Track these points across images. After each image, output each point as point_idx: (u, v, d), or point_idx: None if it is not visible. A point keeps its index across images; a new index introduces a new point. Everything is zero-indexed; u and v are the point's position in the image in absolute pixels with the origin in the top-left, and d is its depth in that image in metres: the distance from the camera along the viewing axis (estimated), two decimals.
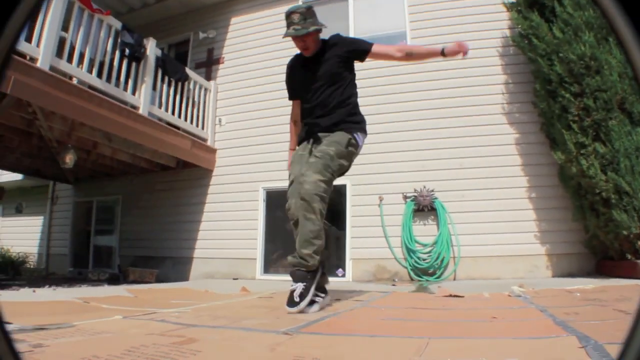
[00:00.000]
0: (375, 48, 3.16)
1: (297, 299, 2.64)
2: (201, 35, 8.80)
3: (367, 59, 3.24)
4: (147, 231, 8.58)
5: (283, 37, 3.12)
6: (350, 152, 3.06)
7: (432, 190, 6.92)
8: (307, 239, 2.78)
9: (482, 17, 7.41)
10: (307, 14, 3.05)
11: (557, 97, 6.04)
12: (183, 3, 9.06)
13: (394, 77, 7.38)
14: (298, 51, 3.25)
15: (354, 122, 3.16)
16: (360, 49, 3.19)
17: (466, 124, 7.06)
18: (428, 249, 6.79)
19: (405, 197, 7.00)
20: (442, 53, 3.09)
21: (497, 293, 3.94)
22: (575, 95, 5.84)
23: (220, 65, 8.76)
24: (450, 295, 3.59)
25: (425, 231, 6.91)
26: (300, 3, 7.78)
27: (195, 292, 4.56)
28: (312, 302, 2.73)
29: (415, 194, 6.95)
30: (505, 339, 1.81)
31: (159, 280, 7.60)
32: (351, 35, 7.78)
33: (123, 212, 9.17)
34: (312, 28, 3.00)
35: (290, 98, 3.49)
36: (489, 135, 6.98)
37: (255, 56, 8.50)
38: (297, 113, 3.40)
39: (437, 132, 7.10)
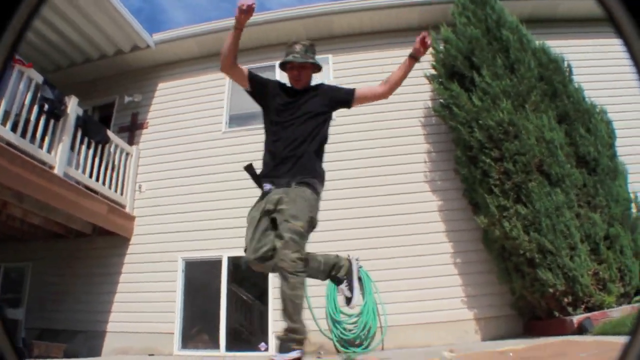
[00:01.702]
0: (358, 91, 3.18)
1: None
2: (126, 98, 8.77)
3: (354, 105, 3.21)
4: (57, 302, 8.00)
5: (279, 63, 3.13)
6: (316, 212, 2.98)
7: (357, 259, 6.88)
8: (297, 313, 2.71)
9: (405, 89, 7.76)
10: (310, 49, 3.13)
11: (478, 162, 6.37)
12: (111, 65, 9.07)
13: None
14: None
15: (320, 177, 3.08)
16: (344, 94, 3.19)
17: (390, 193, 7.25)
18: (354, 319, 6.68)
19: None
20: (414, 58, 3.06)
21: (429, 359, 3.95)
22: (496, 160, 6.19)
23: (144, 130, 8.69)
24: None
25: None
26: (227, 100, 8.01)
27: None
28: None
29: None
30: None
31: (68, 355, 7.04)
32: None
33: (32, 280, 8.56)
34: (310, 60, 3.07)
35: (250, 76, 3.18)
36: (412, 203, 7.19)
37: (179, 122, 8.50)
38: (234, 63, 3.11)
39: (360, 201, 7.23)
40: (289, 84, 3.23)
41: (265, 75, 7.86)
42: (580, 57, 7.32)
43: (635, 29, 0.58)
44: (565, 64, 6.71)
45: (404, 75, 3.12)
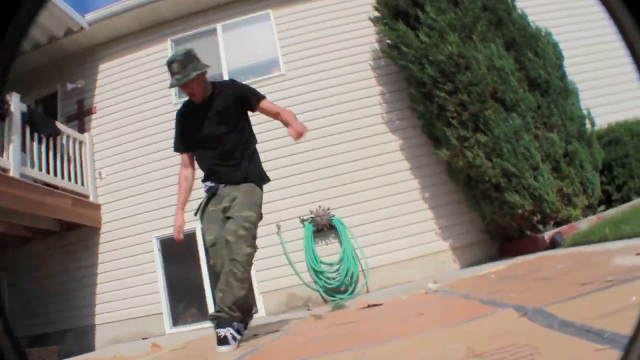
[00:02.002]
0: (265, 103, 3.29)
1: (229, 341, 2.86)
2: (69, 86, 8.44)
3: (257, 111, 3.32)
4: (40, 305, 7.93)
5: (169, 88, 3.19)
6: (261, 207, 3.25)
7: (329, 209, 7.05)
8: (235, 301, 2.98)
9: (351, 34, 7.81)
10: (186, 60, 3.06)
11: (432, 97, 6.48)
12: (47, 54, 8.64)
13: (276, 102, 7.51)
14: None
15: (260, 176, 3.31)
16: (250, 95, 3.27)
17: (350, 139, 7.34)
18: (335, 267, 6.88)
19: (302, 221, 7.07)
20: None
21: (414, 293, 4.07)
22: (450, 93, 6.30)
23: (93, 116, 8.41)
24: (369, 306, 3.63)
25: (329, 250, 7.01)
26: (172, 51, 7.74)
27: None
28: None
29: (312, 215, 7.04)
30: (441, 329, 1.82)
31: (62, 356, 7.01)
32: (223, 67, 7.92)
33: (10, 290, 8.42)
34: (193, 74, 3.02)
35: (177, 150, 3.45)
36: (374, 146, 7.31)
37: (128, 102, 8.29)
38: (188, 168, 3.45)
39: (324, 150, 7.30)
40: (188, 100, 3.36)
41: (207, 39, 7.77)
42: None
43: (636, 26, 0.57)
44: None
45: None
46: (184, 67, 3.04)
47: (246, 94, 3.28)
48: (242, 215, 3.04)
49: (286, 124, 3.21)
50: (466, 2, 6.42)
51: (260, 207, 3.22)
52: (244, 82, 3.56)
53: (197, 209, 3.40)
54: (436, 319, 2.20)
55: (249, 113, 3.43)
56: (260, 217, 3.23)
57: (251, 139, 3.37)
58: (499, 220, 6.32)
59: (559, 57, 6.54)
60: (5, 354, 0.61)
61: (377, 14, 7.35)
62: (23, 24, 0.61)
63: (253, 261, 3.11)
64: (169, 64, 3.09)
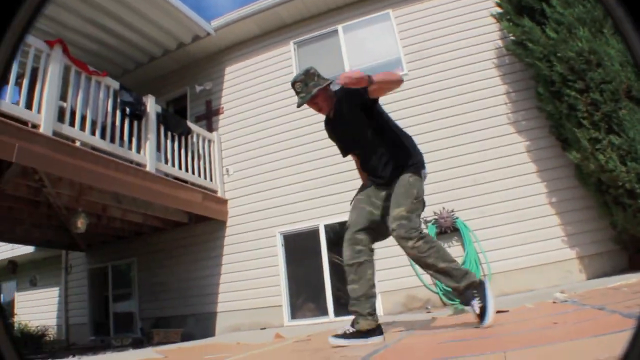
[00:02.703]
0: (370, 87, 3.04)
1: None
2: (197, 88, 9.13)
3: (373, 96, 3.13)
4: (166, 291, 8.65)
5: (297, 107, 3.25)
6: (418, 189, 3.14)
7: (452, 211, 7.00)
8: (449, 276, 2.97)
9: (473, 31, 7.70)
10: (307, 79, 3.14)
11: (562, 96, 6.19)
12: (175, 60, 9.46)
13: (395, 103, 7.53)
14: None
15: (408, 165, 3.19)
16: (358, 99, 3.14)
17: (476, 139, 7.23)
18: None
19: (425, 222, 7.06)
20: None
21: (540, 302, 3.93)
22: (581, 92, 5.98)
23: (221, 116, 9.05)
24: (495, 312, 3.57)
25: (451, 253, 6.90)
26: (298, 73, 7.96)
27: (226, 346, 4.52)
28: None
29: (436, 217, 7.02)
30: (585, 340, 1.71)
31: (185, 339, 7.59)
32: (346, 68, 8.11)
33: (140, 274, 9.25)
34: (314, 91, 3.09)
35: (343, 155, 3.57)
36: (499, 147, 7.14)
37: (253, 102, 8.81)
38: (356, 160, 3.53)
39: (448, 151, 7.25)
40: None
41: (328, 41, 7.96)
42: None
43: (635, 28, 0.57)
44: None
45: (382, 89, 3.02)
46: (305, 85, 3.13)
47: (353, 96, 3.17)
48: (392, 215, 3.03)
49: None
50: None
51: (409, 195, 3.08)
52: None
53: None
54: (574, 329, 2.07)
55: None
56: (417, 204, 3.12)
57: (386, 135, 3.27)
58: (632, 229, 5.87)
59: None
60: (4, 354, 0.62)
61: (499, 9, 7.17)
62: (25, 23, 0.64)
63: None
64: (292, 84, 3.20)
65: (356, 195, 3.37)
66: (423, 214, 6.92)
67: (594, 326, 2.06)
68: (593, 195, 6.44)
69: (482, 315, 2.77)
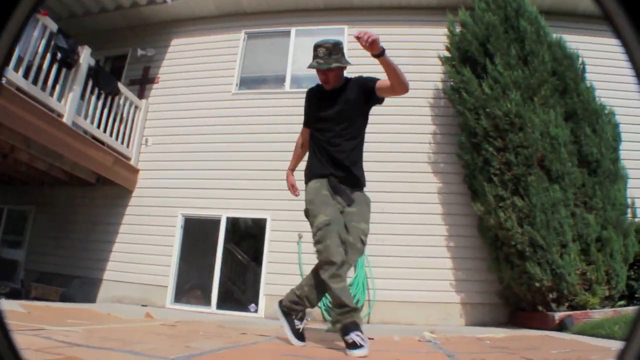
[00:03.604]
0: (379, 83, 3.17)
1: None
2: (139, 52, 8.97)
3: (381, 96, 3.22)
4: (57, 247, 8.40)
5: (307, 68, 3.26)
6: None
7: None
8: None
9: (418, 67, 7.96)
10: (334, 50, 3.17)
11: (481, 150, 6.54)
12: (126, 17, 9.25)
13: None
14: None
15: (364, 181, 3.39)
16: (370, 84, 3.21)
17: (391, 170, 7.47)
18: None
19: None
20: (374, 56, 2.94)
21: (408, 337, 4.07)
22: (498, 150, 6.35)
23: (155, 85, 8.93)
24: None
25: None
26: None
27: (96, 314, 4.51)
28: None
29: None
30: None
31: (64, 299, 7.43)
32: (288, 70, 8.23)
33: (34, 224, 8.95)
34: (334, 65, 3.12)
35: (304, 125, 3.57)
36: (413, 183, 7.45)
37: (190, 80, 8.76)
38: (306, 139, 3.54)
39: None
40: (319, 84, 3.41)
41: (279, 39, 8.07)
42: (595, 56, 7.39)
43: (635, 33, 0.59)
44: (580, 60, 6.82)
45: (390, 70, 2.99)
46: (328, 55, 3.15)
47: (365, 82, 3.25)
48: (361, 228, 3.13)
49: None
50: (536, 62, 6.46)
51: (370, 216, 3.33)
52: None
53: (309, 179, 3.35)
54: None
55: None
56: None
57: (362, 141, 3.42)
58: (515, 287, 6.26)
59: (617, 138, 6.53)
60: (1, 351, 0.63)
61: (447, 54, 7.49)
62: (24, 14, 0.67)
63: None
64: (317, 46, 3.20)
65: (318, 189, 3.24)
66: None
67: None
68: (488, 248, 6.80)
69: (355, 345, 2.76)
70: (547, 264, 5.75)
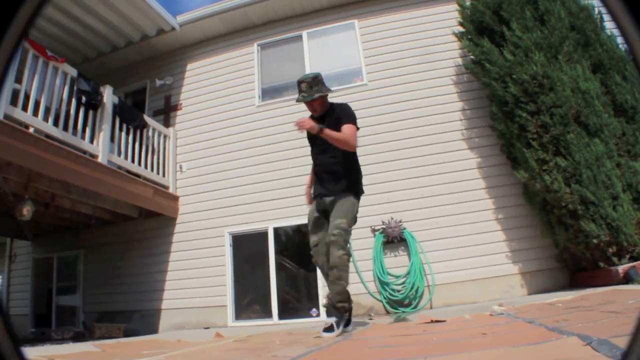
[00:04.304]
0: (342, 128, 3.83)
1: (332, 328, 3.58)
2: (158, 82, 9.20)
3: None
4: (111, 285, 8.64)
5: (296, 102, 3.99)
6: (355, 212, 3.94)
7: (400, 221, 7.27)
8: (337, 293, 3.71)
9: (435, 47, 8.05)
10: (313, 82, 3.89)
11: (514, 117, 6.53)
12: (138, 51, 9.52)
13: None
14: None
15: (356, 188, 4.04)
16: (343, 116, 3.91)
17: (427, 153, 7.56)
18: (401, 280, 7.06)
19: (373, 230, 7.32)
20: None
21: (478, 314, 4.10)
22: (532, 114, 6.33)
23: (179, 112, 9.16)
24: (432, 321, 3.69)
25: (397, 262, 7.21)
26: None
27: (166, 342, 4.58)
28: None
29: (384, 226, 7.28)
30: (505, 349, 1.86)
31: (127, 334, 7.61)
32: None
33: (85, 267, 9.19)
34: (316, 95, 3.86)
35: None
36: (451, 162, 7.48)
37: (212, 101, 8.97)
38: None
39: (401, 163, 7.57)
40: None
41: (292, 45, 8.22)
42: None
43: (637, 28, 0.60)
44: (596, 11, 6.79)
45: (333, 141, 3.78)
46: (310, 87, 3.87)
47: (341, 115, 3.91)
48: (334, 223, 3.73)
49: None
50: (553, 20, 6.46)
51: (352, 214, 3.87)
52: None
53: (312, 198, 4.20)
54: (499, 340, 2.21)
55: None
56: (353, 222, 3.89)
57: (354, 158, 4.05)
58: (573, 248, 6.21)
59: None
60: (5, 353, 0.63)
61: (461, 29, 7.53)
62: (25, 22, 0.66)
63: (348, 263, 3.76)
64: (299, 82, 3.90)
65: (312, 211, 4.13)
66: (372, 223, 7.19)
67: (517, 338, 2.21)
68: (538, 214, 6.78)
69: (329, 329, 3.56)
70: (602, 219, 5.70)
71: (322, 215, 4.02)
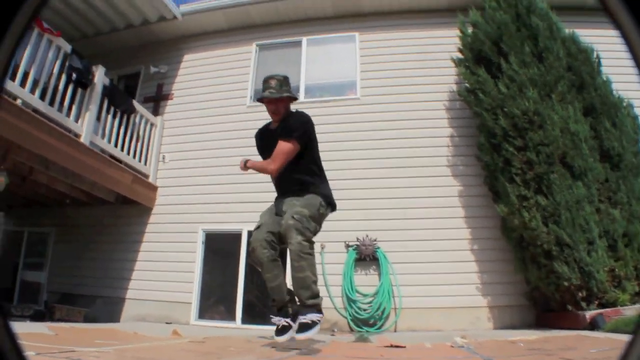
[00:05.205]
0: (278, 144, 3.58)
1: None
2: (152, 69, 9.19)
3: None
4: (79, 267, 8.56)
5: (256, 99, 3.74)
6: (321, 215, 3.58)
7: (375, 240, 7.29)
8: (304, 287, 3.28)
9: (431, 70, 8.11)
10: (284, 82, 3.65)
11: (500, 150, 6.57)
12: (137, 35, 9.51)
13: (341, 125, 7.90)
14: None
15: (319, 190, 3.67)
16: (281, 134, 3.61)
17: (411, 175, 7.59)
18: (369, 299, 7.06)
19: (347, 246, 7.33)
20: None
21: (439, 343, 4.08)
22: (519, 149, 6.38)
23: (169, 102, 9.17)
24: (392, 345, 3.67)
25: (367, 281, 7.21)
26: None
27: (123, 334, 4.56)
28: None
29: (358, 243, 7.29)
30: None
31: (88, 320, 7.57)
32: (301, 80, 8.39)
33: (55, 246, 9.13)
34: (285, 94, 3.60)
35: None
36: (433, 187, 7.51)
37: (204, 95, 8.98)
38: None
39: (382, 181, 7.58)
40: (268, 122, 3.90)
41: (290, 50, 8.23)
42: (610, 48, 7.37)
43: (635, 25, 0.60)
44: (595, 54, 6.86)
45: (256, 170, 3.83)
46: (280, 86, 3.61)
47: (287, 126, 3.62)
48: (294, 209, 3.35)
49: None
50: (551, 59, 6.52)
51: (315, 209, 3.47)
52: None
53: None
54: None
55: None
56: (318, 219, 3.52)
57: (311, 163, 3.73)
58: (543, 288, 6.26)
59: (637, 131, 6.56)
60: (5, 353, 0.63)
61: (460, 55, 7.57)
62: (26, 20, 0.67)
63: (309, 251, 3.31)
64: (268, 78, 3.65)
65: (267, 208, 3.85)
66: (346, 238, 7.17)
67: None
68: (513, 250, 6.82)
69: (303, 329, 3.21)
70: (575, 262, 5.75)
71: (279, 214, 3.59)
